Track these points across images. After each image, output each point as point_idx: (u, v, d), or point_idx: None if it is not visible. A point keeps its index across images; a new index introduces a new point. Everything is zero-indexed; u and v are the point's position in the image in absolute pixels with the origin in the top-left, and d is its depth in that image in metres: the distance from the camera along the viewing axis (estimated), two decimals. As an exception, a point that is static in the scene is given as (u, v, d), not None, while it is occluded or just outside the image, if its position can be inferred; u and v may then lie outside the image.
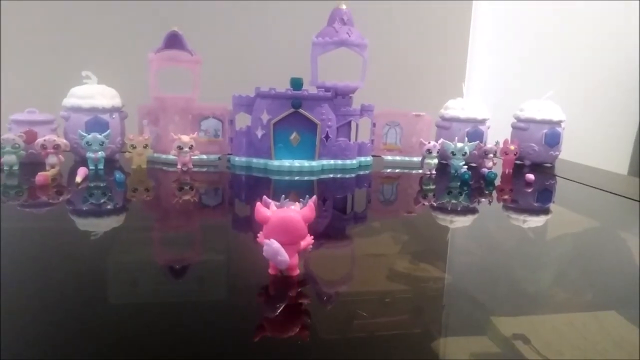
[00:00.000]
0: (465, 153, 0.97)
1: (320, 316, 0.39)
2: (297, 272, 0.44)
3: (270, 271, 0.44)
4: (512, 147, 1.02)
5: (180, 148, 0.91)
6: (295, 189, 0.86)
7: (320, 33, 0.98)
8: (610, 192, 0.90)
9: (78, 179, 0.79)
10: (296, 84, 0.94)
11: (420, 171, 1.00)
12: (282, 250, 0.41)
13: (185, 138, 0.91)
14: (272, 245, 0.41)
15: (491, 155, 1.02)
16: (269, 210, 0.43)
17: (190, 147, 0.91)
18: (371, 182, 0.98)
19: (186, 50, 1.00)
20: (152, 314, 0.39)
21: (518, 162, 1.10)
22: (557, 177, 1.05)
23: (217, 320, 0.38)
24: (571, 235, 0.70)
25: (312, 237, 0.45)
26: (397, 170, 1.04)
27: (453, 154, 0.98)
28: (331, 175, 0.95)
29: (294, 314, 0.39)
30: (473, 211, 0.78)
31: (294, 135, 0.96)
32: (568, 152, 1.18)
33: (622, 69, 1.51)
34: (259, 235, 0.45)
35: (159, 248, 0.57)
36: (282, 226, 0.42)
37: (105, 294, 0.42)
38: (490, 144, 1.03)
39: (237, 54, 1.28)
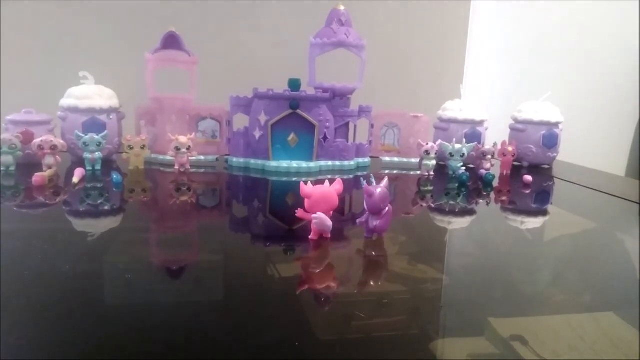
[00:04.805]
0: (463, 154, 0.97)
1: (318, 317, 0.39)
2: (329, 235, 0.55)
3: (312, 237, 0.55)
4: (510, 149, 1.03)
5: (177, 149, 0.91)
6: (293, 191, 0.86)
7: (318, 34, 0.98)
8: (608, 194, 0.90)
9: (75, 179, 0.79)
10: (294, 85, 0.94)
11: (418, 172, 1.00)
12: (328, 219, 0.54)
13: (183, 139, 0.91)
14: (321, 216, 0.53)
15: (489, 156, 1.02)
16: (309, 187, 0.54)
17: (188, 148, 0.91)
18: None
19: (183, 51, 1.00)
20: (150, 314, 0.38)
21: (516, 163, 1.10)
22: (554, 179, 1.05)
23: (215, 320, 0.38)
24: (569, 237, 0.70)
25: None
26: (395, 172, 1.04)
27: (451, 155, 0.98)
28: (329, 177, 0.95)
29: (293, 315, 0.39)
30: (471, 212, 0.78)
31: (291, 136, 0.96)
32: (566, 154, 1.18)
33: (620, 70, 1.51)
34: (297, 210, 0.55)
35: (156, 249, 0.57)
36: (324, 199, 0.54)
37: (103, 295, 0.42)
38: (488, 146, 1.03)
39: (235, 54, 1.28)
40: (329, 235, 0.55)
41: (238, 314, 0.39)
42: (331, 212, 0.55)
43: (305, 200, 0.54)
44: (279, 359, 0.33)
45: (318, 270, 0.49)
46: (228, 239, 0.61)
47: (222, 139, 1.02)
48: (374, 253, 0.54)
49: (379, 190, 0.54)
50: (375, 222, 0.55)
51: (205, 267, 0.50)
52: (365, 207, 0.55)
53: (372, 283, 0.47)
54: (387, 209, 0.55)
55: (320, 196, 0.54)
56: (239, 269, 0.50)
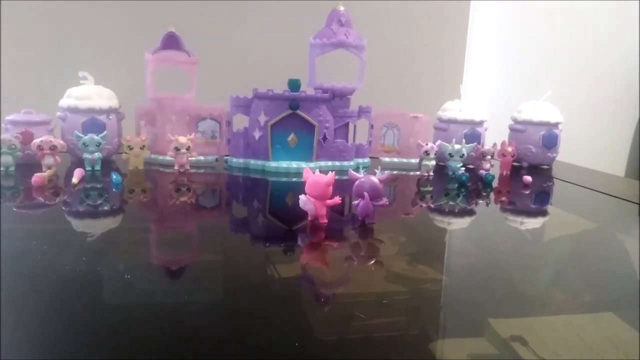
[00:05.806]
0: (463, 155, 0.97)
1: (318, 317, 0.39)
2: (325, 221, 0.61)
3: (309, 218, 0.61)
4: (509, 149, 1.03)
5: (177, 149, 0.91)
6: (292, 191, 0.86)
7: (318, 34, 0.98)
8: (608, 194, 0.90)
9: (75, 180, 0.79)
10: (294, 85, 0.94)
11: (418, 173, 1.00)
12: (309, 201, 0.60)
13: (183, 139, 0.91)
14: (302, 198, 0.61)
15: (489, 157, 1.01)
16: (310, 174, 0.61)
17: (188, 149, 0.91)
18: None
19: (183, 51, 1.00)
20: (150, 315, 0.38)
21: (515, 163, 1.10)
22: (554, 179, 1.05)
23: (215, 321, 0.38)
24: (568, 237, 0.70)
25: (339, 198, 0.61)
26: (394, 172, 1.04)
27: (450, 155, 0.98)
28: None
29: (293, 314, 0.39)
30: (470, 213, 0.78)
31: (291, 136, 0.96)
32: (565, 154, 1.18)
33: (620, 70, 1.51)
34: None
35: (156, 249, 0.57)
36: (313, 185, 0.60)
37: (102, 296, 0.42)
38: (487, 146, 1.03)
39: (235, 55, 1.28)
40: (322, 220, 0.61)
41: (238, 314, 0.39)
42: (326, 201, 0.61)
43: None
44: (279, 359, 0.33)
45: (319, 270, 0.49)
46: (228, 239, 0.61)
47: (222, 139, 1.02)
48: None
49: (362, 178, 0.62)
50: (360, 205, 0.62)
51: (205, 267, 0.50)
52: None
53: (371, 283, 0.47)
54: (383, 200, 0.62)
55: (309, 183, 0.61)
56: (239, 269, 0.50)
